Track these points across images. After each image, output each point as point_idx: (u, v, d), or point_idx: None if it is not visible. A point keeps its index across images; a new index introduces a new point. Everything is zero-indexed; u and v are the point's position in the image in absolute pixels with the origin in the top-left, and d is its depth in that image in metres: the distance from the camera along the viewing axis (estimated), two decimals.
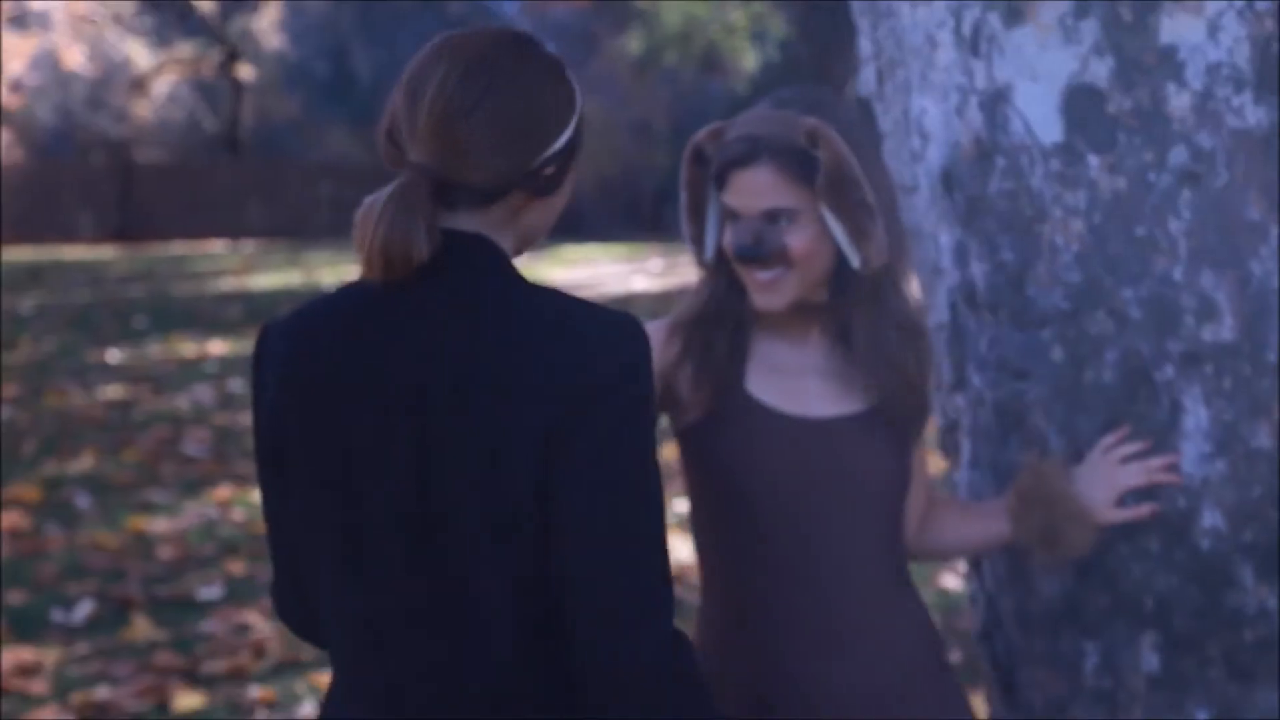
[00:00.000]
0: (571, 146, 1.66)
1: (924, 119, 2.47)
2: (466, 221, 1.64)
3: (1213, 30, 2.21)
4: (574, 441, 1.52)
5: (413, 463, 1.56)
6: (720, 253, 2.07)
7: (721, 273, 2.09)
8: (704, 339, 2.08)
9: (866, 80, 2.62)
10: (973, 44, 2.37)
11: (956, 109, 2.41)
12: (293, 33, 34.79)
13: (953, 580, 5.78)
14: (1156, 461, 2.25)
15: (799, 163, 1.95)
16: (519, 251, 1.70)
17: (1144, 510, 2.25)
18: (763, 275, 1.98)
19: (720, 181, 2.00)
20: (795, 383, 2.08)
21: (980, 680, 4.76)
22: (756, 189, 1.96)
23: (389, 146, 1.65)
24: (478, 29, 1.67)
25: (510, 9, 34.24)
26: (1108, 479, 2.25)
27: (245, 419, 9.09)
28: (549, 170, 1.63)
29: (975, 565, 2.56)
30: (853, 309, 2.06)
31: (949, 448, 2.59)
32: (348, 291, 1.65)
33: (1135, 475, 2.25)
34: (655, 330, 2.08)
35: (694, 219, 2.07)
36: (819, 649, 2.02)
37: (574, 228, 28.60)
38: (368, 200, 1.60)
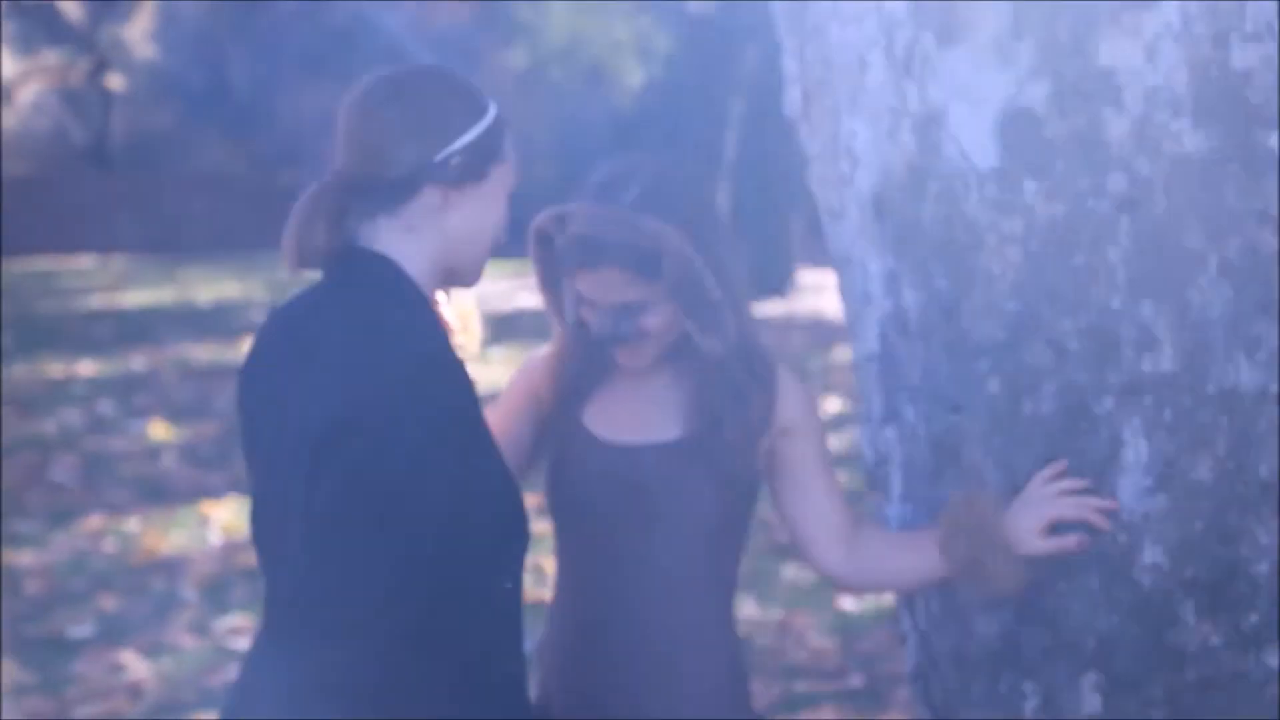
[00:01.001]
0: (483, 146, 1.85)
1: (853, 142, 2.39)
2: (385, 226, 1.84)
3: (1150, 54, 2.16)
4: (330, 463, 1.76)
5: (278, 440, 1.83)
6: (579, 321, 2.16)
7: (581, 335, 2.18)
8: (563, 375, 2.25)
9: (792, 101, 2.53)
10: (905, 65, 2.30)
11: (888, 132, 2.33)
12: (166, 41, 34.14)
13: (850, 603, 5.73)
14: (1093, 501, 2.19)
15: (644, 262, 2.05)
16: (451, 265, 1.87)
17: (1071, 541, 2.18)
18: (624, 349, 2.13)
19: (569, 270, 2.10)
20: (627, 410, 2.21)
21: (885, 708, 4.71)
22: (606, 286, 2.08)
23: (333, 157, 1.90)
24: (401, 68, 1.91)
25: (392, 21, 33.97)
26: (1038, 510, 2.19)
27: (117, 444, 8.82)
28: (455, 162, 1.82)
29: (908, 603, 2.48)
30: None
31: (878, 482, 2.51)
32: (297, 296, 1.94)
33: (1067, 508, 2.19)
34: (538, 359, 2.27)
35: (549, 292, 2.20)
36: (626, 672, 2.15)
37: None
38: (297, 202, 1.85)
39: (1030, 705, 2.29)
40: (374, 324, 1.80)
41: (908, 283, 2.35)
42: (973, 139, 2.25)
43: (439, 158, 1.82)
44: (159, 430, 9.15)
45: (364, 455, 1.73)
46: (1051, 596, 2.25)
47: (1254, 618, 2.19)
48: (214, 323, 14.82)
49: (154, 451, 8.66)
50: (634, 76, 20.29)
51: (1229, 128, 2.15)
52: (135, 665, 5.12)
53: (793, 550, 2.43)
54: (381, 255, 1.83)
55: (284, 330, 1.91)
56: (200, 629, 5.50)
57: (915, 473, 2.39)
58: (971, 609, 2.33)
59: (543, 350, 2.28)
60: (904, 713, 4.57)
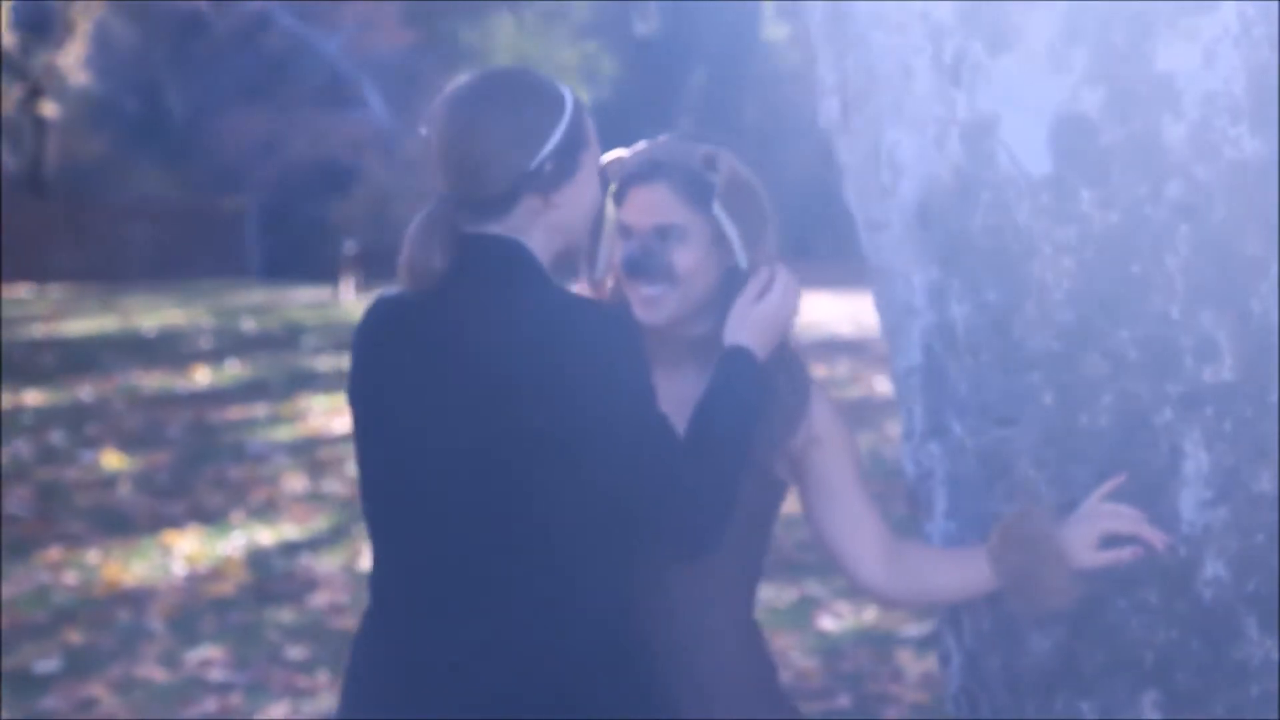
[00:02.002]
0: (570, 142, 1.93)
1: (897, 151, 2.34)
2: (495, 229, 1.95)
3: (1209, 58, 2.13)
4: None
5: (418, 408, 1.91)
6: (605, 284, 2.17)
7: (608, 297, 2.18)
8: None
9: (828, 112, 2.48)
10: (954, 73, 2.25)
11: (935, 141, 2.29)
12: (100, 68, 33.78)
13: (830, 623, 5.68)
14: (1148, 528, 2.13)
15: (693, 183, 2.08)
16: (564, 246, 1.99)
17: (1125, 553, 2.13)
18: (647, 290, 2.08)
19: (619, 198, 2.12)
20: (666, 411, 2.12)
21: None
22: (650, 205, 2.08)
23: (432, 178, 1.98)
24: (472, 75, 1.99)
25: (331, 46, 33.77)
26: (1092, 523, 2.15)
27: (70, 473, 8.64)
28: (549, 167, 1.92)
29: (952, 622, 2.42)
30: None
31: (919, 498, 2.46)
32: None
33: (1124, 522, 2.14)
34: None
35: (592, 235, 2.15)
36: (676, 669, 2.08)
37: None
38: (410, 228, 1.94)
39: None
40: (537, 290, 1.91)
41: (955, 294, 2.30)
42: (1025, 147, 2.21)
43: (533, 166, 1.91)
44: (112, 460, 8.98)
45: (588, 408, 1.85)
46: (1110, 612, 2.21)
47: None
48: (160, 350, 14.61)
49: (109, 481, 8.49)
50: (581, 99, 20.33)
51: None
52: (107, 699, 4.98)
53: (769, 570, 2.37)
54: (508, 237, 1.94)
55: (413, 317, 1.95)
56: (171, 661, 5.37)
57: (962, 488, 2.34)
58: (1025, 627, 2.27)
59: None
60: None
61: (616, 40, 18.18)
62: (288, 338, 15.90)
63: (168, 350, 14.72)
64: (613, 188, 2.12)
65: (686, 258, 2.07)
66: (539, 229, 1.96)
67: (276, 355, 14.38)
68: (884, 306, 2.49)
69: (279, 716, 4.71)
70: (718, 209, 2.05)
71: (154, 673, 5.24)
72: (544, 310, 1.89)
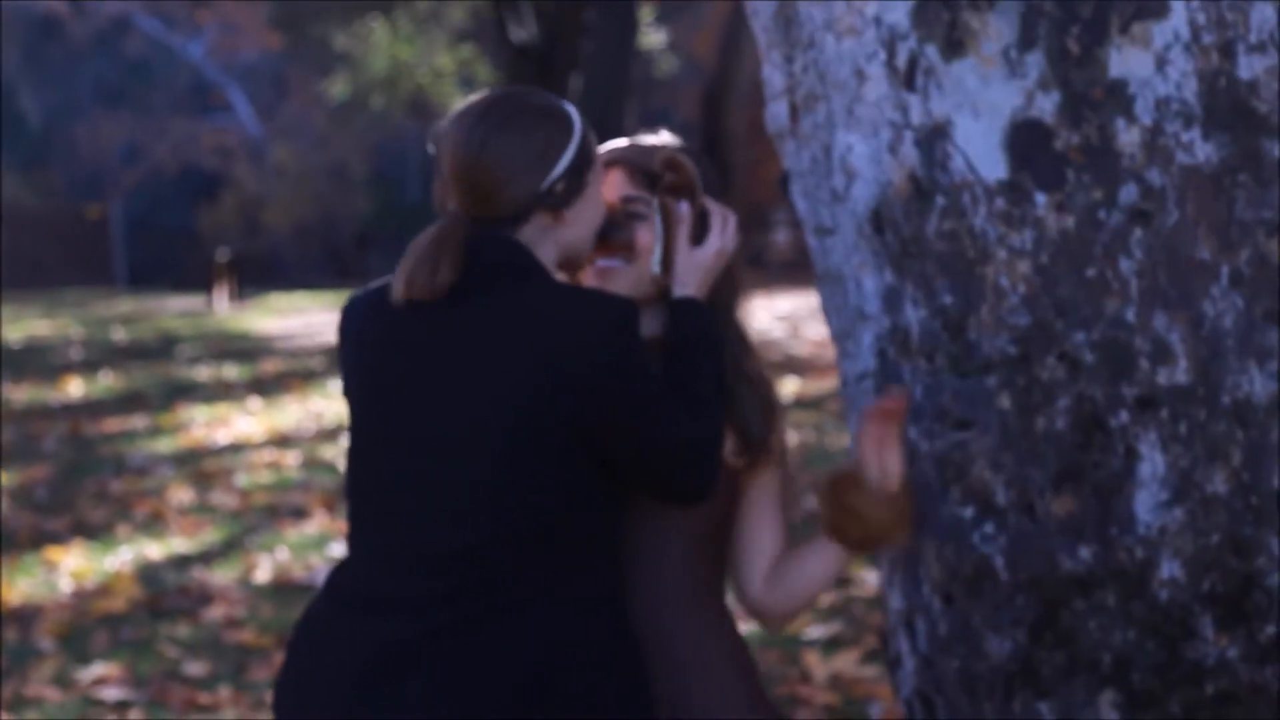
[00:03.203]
0: (579, 162, 1.98)
1: (849, 156, 2.34)
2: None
3: (1160, 64, 2.15)
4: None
5: (430, 407, 1.93)
6: None
7: None
8: None
9: (776, 116, 2.47)
10: (907, 77, 2.25)
11: (888, 146, 2.28)
12: None
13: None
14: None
15: (650, 176, 2.14)
16: (566, 260, 2.03)
17: (893, 407, 2.11)
18: (603, 263, 2.13)
19: None
20: None
21: None
22: (619, 182, 2.14)
23: (439, 192, 2.02)
24: (482, 95, 2.03)
25: (195, 50, 33.18)
26: (869, 443, 2.14)
27: None
28: (559, 187, 1.97)
29: (907, 625, 2.42)
30: None
31: None
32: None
33: (870, 414, 2.14)
34: None
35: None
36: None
37: (271, 276, 27.77)
38: (415, 242, 1.97)
39: None
40: (550, 290, 1.94)
41: (909, 298, 2.30)
42: (980, 151, 2.21)
43: (544, 186, 1.96)
44: None
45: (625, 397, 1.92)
46: (1067, 614, 2.22)
47: (1271, 629, 2.18)
48: (28, 362, 14.23)
49: None
50: (456, 104, 20.14)
51: (1237, 137, 2.15)
52: (52, 696, 4.82)
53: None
54: (508, 237, 1.96)
55: (419, 314, 1.94)
56: (63, 681, 5.21)
57: (917, 492, 2.33)
58: (983, 629, 2.28)
59: None
60: None
61: (493, 46, 18.07)
62: (162, 347, 15.57)
63: (36, 361, 14.34)
64: None
65: (646, 236, 2.13)
66: (546, 243, 2.00)
67: (151, 366, 14.07)
68: (833, 311, 2.48)
69: None
70: (656, 208, 2.12)
71: (46, 692, 5.08)
72: (559, 301, 1.93)
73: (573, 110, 2.02)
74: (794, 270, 23.31)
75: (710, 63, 25.21)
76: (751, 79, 25.84)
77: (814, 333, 14.75)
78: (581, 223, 2.02)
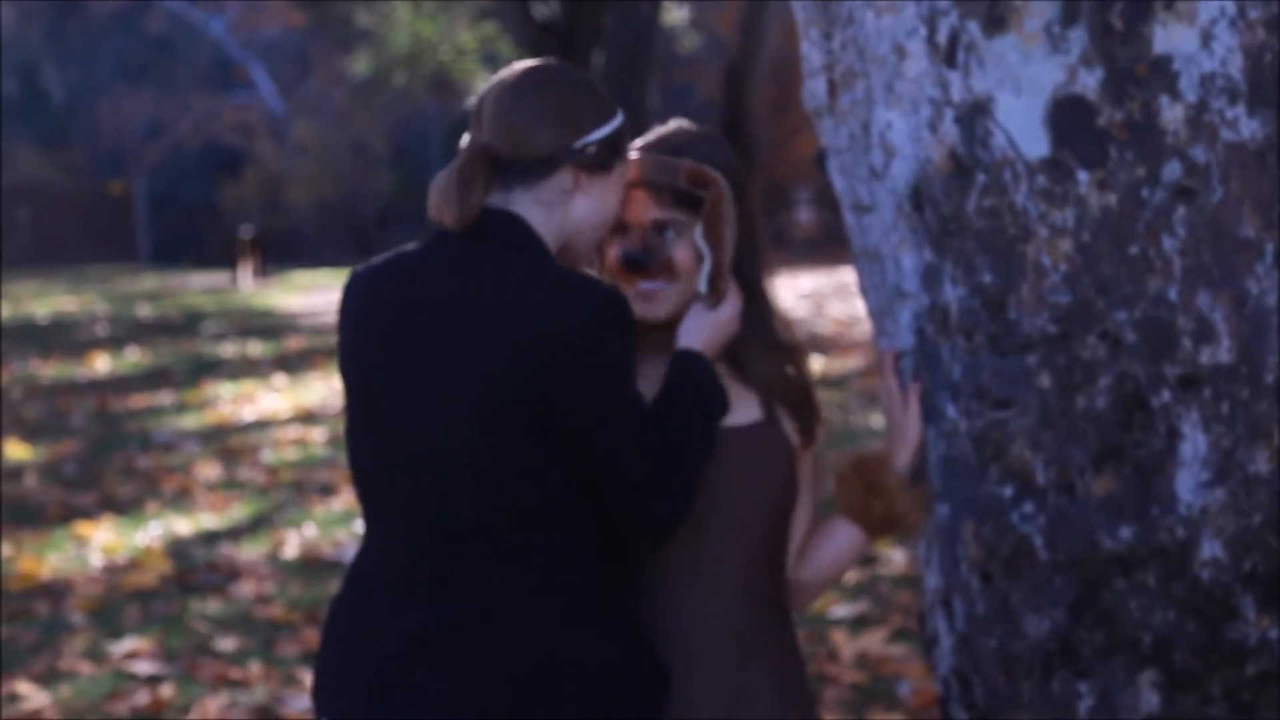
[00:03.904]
0: (613, 142, 1.99)
1: (889, 133, 2.33)
2: (519, 197, 1.97)
3: (1206, 40, 2.13)
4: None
5: (427, 381, 1.92)
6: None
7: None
8: None
9: (814, 92, 2.45)
10: (948, 54, 2.24)
11: (928, 123, 2.27)
12: None
13: None
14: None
15: (676, 193, 2.08)
16: (568, 244, 2.00)
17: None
18: (645, 285, 2.08)
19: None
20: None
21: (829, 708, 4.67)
22: (649, 202, 2.09)
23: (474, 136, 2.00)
24: (513, 66, 2.03)
25: (217, 26, 33.19)
26: (901, 433, 2.27)
27: None
28: (591, 149, 1.97)
29: (944, 604, 2.42)
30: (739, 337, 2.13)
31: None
32: (415, 251, 2.02)
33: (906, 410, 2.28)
34: None
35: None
36: (681, 660, 2.05)
37: (294, 253, 27.81)
38: (438, 176, 1.98)
39: (1085, 705, 2.24)
40: (545, 273, 1.93)
41: (949, 276, 2.29)
42: (1021, 128, 2.20)
43: (578, 144, 1.97)
44: (16, 450, 8.76)
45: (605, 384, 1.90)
46: (1108, 593, 2.21)
47: None
48: (56, 338, 14.28)
49: (14, 472, 8.28)
50: (478, 82, 20.09)
51: None
52: (33, 694, 4.84)
53: None
54: (517, 216, 1.96)
55: (413, 290, 1.96)
56: (95, 655, 5.24)
57: (955, 471, 2.33)
58: (1022, 609, 2.27)
59: None
60: (835, 714, 4.53)
61: (515, 23, 18.04)
62: (187, 324, 15.62)
63: (63, 338, 14.40)
64: None
65: (686, 253, 2.07)
66: (559, 210, 1.98)
67: (177, 342, 14.12)
68: (871, 289, 2.47)
69: (216, 709, 4.60)
70: (699, 236, 2.07)
71: (79, 666, 5.11)
72: (550, 283, 1.91)
73: (619, 109, 2.04)
74: (816, 248, 23.26)
75: (732, 40, 25.14)
76: (773, 57, 25.78)
77: (837, 311, 14.72)
78: (595, 204, 2.00)
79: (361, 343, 1.99)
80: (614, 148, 2.00)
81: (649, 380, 2.11)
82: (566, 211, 1.99)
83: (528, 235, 1.96)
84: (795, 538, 2.24)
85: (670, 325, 2.10)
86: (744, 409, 2.11)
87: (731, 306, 2.10)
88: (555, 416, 1.88)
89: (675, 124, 2.18)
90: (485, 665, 1.88)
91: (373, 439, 1.98)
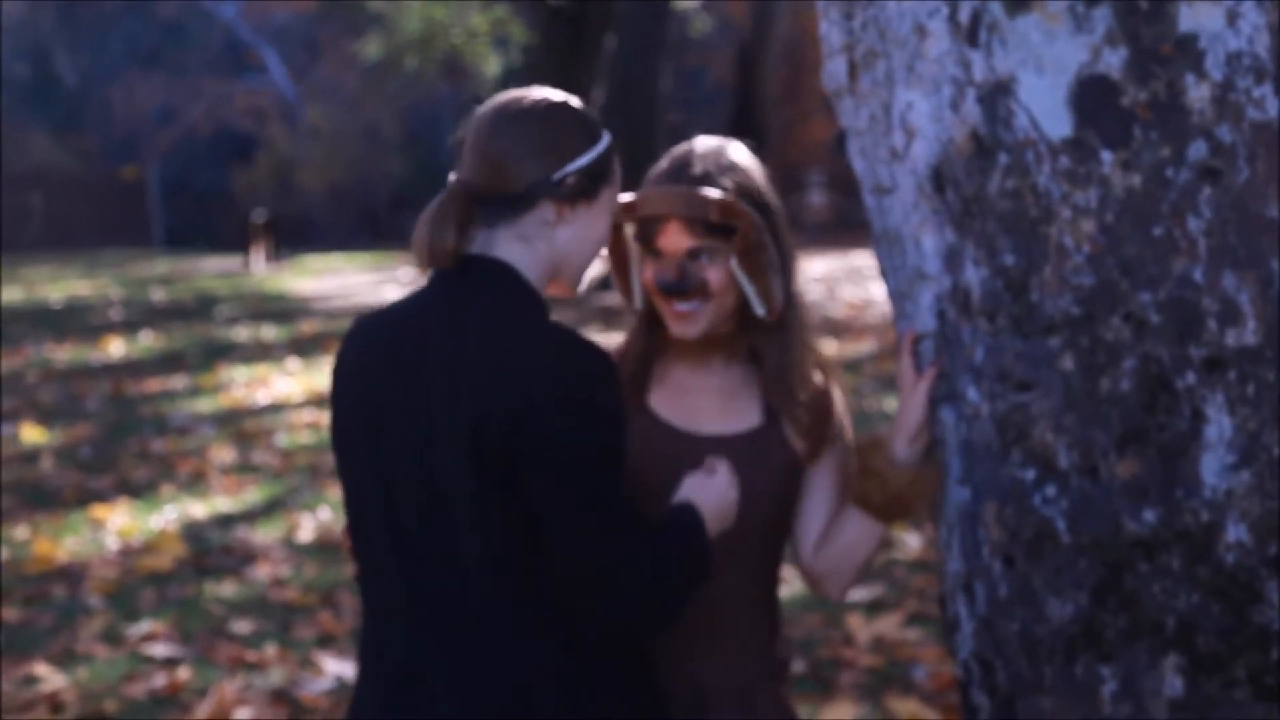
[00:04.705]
0: (596, 169, 1.98)
1: (910, 114, 2.31)
2: (502, 234, 1.96)
3: (1232, 18, 2.11)
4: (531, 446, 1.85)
5: (418, 442, 1.89)
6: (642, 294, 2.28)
7: (643, 312, 2.31)
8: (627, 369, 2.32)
9: (834, 73, 2.43)
10: (970, 33, 2.22)
11: (950, 103, 2.25)
12: None
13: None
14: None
15: (712, 229, 2.19)
16: (555, 275, 2.00)
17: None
18: (682, 306, 2.19)
19: (647, 231, 2.22)
20: (694, 401, 2.29)
21: (830, 693, 4.66)
22: (681, 233, 2.19)
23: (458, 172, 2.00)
24: (502, 95, 2.03)
25: (228, 10, 33.17)
26: (907, 415, 2.29)
27: None
28: (570, 181, 1.96)
29: (965, 588, 2.40)
30: (763, 336, 2.28)
31: None
32: (402, 302, 2.00)
33: (915, 386, 2.30)
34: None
35: (621, 276, 2.29)
36: (686, 651, 2.23)
37: (306, 237, 27.80)
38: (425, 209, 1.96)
39: (1108, 689, 2.23)
40: (524, 323, 1.91)
41: (970, 258, 2.27)
42: (1044, 109, 2.18)
43: (557, 176, 1.96)
44: (32, 433, 8.78)
45: (574, 439, 1.86)
46: (1131, 577, 2.20)
47: None
48: (70, 322, 14.31)
49: (30, 456, 8.30)
50: (490, 65, 20.05)
51: None
52: (50, 676, 4.86)
53: None
54: (502, 261, 1.95)
55: (403, 335, 1.94)
56: (112, 637, 5.26)
57: (977, 455, 2.31)
58: (1044, 592, 2.26)
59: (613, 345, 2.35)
60: (850, 699, 4.53)
61: (527, 6, 18.00)
62: (200, 308, 15.64)
63: (77, 322, 14.43)
64: (631, 227, 2.23)
65: (718, 275, 2.19)
66: (542, 243, 1.97)
67: (190, 326, 14.14)
68: (891, 271, 2.46)
69: (232, 691, 4.61)
70: (735, 267, 2.18)
71: (96, 649, 5.13)
72: (540, 343, 1.89)
73: (605, 131, 2.04)
74: (829, 232, 23.22)
75: (744, 23, 25.07)
76: (785, 40, 25.70)
77: (850, 294, 14.70)
78: (581, 234, 1.99)
79: (353, 385, 1.98)
80: (598, 174, 1.99)
81: (671, 388, 2.30)
82: (551, 244, 1.98)
83: (510, 282, 1.93)
84: (814, 527, 2.34)
85: (704, 338, 2.24)
86: (745, 415, 2.25)
87: (727, 475, 2.10)
88: (527, 472, 1.85)
89: (701, 146, 2.25)
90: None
91: (353, 479, 1.97)
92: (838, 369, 2.41)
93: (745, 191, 2.21)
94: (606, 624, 1.90)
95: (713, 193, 2.17)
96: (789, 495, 2.31)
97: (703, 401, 2.30)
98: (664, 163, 2.25)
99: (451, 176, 1.99)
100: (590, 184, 1.98)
